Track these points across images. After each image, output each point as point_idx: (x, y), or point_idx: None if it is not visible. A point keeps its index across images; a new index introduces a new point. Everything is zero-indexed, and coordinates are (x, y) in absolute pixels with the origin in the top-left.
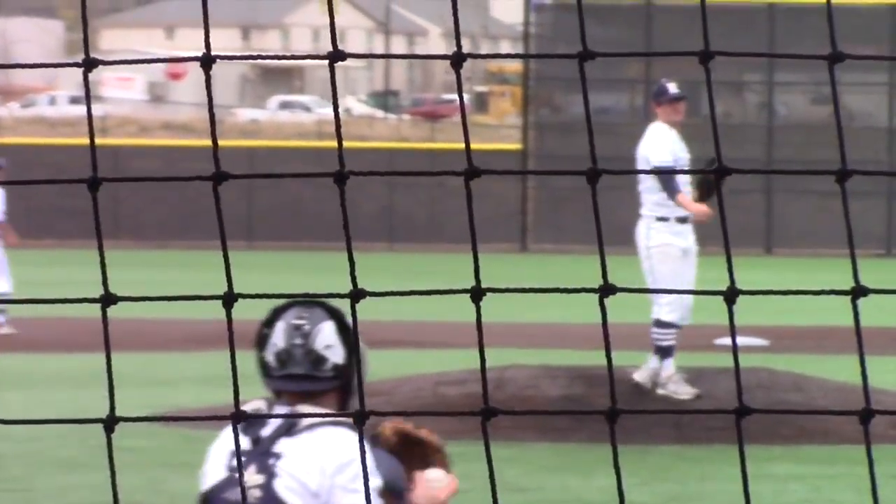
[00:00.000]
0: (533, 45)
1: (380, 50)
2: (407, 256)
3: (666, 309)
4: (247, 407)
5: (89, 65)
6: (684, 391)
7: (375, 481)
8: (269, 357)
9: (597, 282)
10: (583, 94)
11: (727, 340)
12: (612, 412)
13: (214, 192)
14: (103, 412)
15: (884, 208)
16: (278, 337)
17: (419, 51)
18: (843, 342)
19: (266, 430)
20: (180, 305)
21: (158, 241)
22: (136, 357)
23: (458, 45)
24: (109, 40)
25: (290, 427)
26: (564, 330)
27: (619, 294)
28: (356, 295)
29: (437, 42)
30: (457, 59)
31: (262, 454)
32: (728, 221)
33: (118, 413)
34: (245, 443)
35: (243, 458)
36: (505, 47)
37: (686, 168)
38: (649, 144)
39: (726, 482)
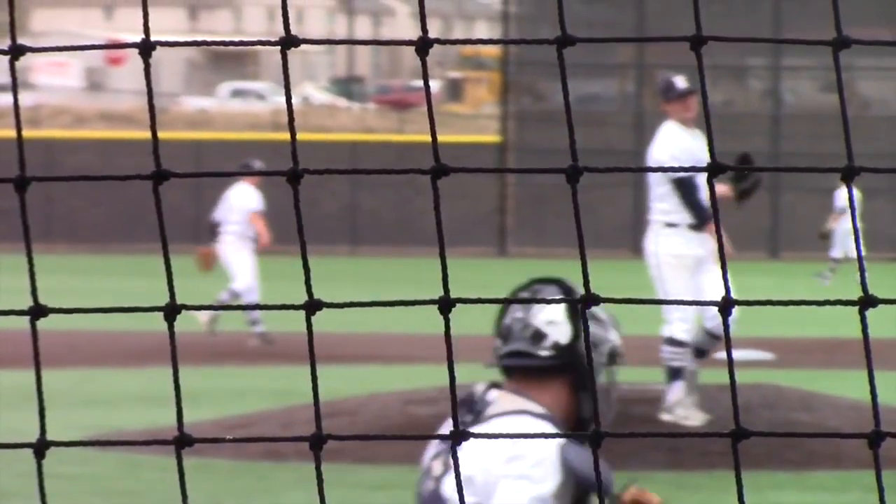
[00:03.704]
0: (513, 26)
1: (342, 31)
2: (372, 261)
3: (679, 326)
4: (468, 390)
5: (16, 52)
6: (694, 417)
7: (551, 482)
8: (497, 334)
9: (582, 289)
10: (562, 84)
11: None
12: (596, 435)
13: (155, 193)
14: (34, 435)
15: None
16: (506, 313)
17: (386, 32)
18: (856, 356)
19: (466, 417)
20: (119, 316)
21: (96, 245)
22: (71, 374)
23: (424, 30)
24: (42, 21)
25: (478, 416)
26: None
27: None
28: (311, 306)
29: (405, 22)
30: (422, 45)
31: (447, 448)
32: (730, 221)
33: (50, 436)
34: (445, 430)
35: (436, 450)
36: (481, 28)
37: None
38: (663, 148)
39: None
